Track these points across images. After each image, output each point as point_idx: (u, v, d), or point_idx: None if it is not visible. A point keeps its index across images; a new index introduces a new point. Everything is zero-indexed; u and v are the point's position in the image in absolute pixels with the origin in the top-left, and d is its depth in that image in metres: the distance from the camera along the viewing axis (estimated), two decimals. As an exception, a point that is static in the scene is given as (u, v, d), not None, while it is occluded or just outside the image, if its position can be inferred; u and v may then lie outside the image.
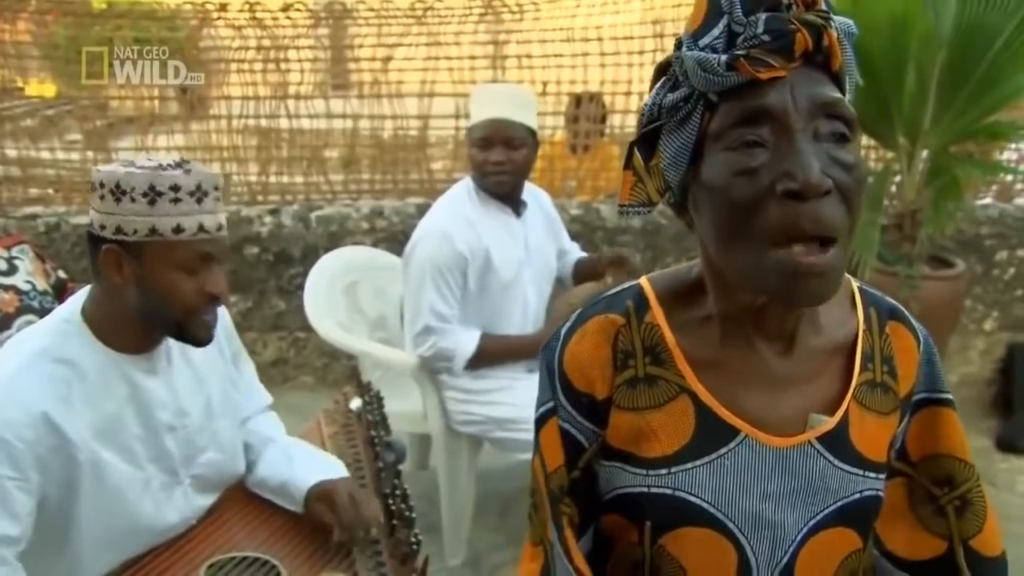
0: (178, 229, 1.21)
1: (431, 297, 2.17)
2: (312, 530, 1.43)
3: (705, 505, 0.76)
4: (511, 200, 2.28)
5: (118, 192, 1.19)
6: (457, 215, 2.22)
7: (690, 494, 0.76)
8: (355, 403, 1.82)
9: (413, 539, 1.41)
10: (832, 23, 0.67)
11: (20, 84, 4.01)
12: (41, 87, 4.07)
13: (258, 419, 1.57)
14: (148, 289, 1.23)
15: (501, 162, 2.17)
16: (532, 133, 2.23)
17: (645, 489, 0.78)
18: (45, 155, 3.79)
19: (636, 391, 0.78)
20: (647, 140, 0.75)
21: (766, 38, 0.66)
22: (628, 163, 0.77)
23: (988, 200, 3.71)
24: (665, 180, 0.74)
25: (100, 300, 1.27)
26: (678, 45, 0.71)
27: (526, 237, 2.31)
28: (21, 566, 1.16)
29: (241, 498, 1.47)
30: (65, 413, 1.18)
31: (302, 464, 1.47)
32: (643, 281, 0.83)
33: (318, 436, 1.74)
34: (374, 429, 1.71)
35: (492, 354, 2.22)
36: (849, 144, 0.68)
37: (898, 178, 3.11)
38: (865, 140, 3.57)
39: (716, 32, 0.68)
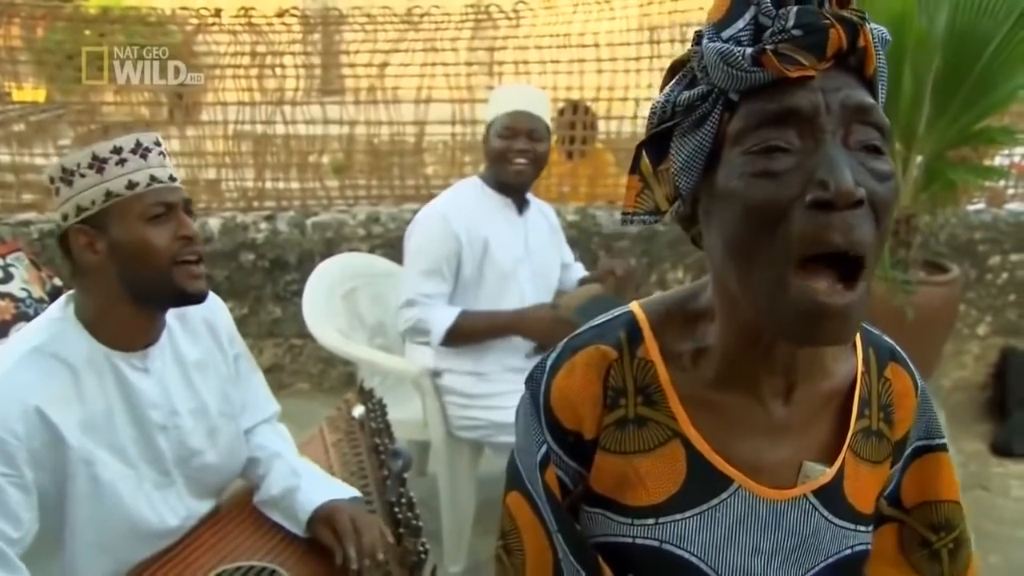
0: (131, 185, 1.23)
1: (419, 274, 2.20)
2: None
3: (694, 560, 0.71)
4: (517, 195, 2.30)
5: (67, 175, 1.23)
6: (459, 202, 2.26)
7: (678, 547, 0.71)
8: (358, 410, 1.82)
9: (420, 548, 1.40)
10: (868, 23, 0.62)
11: (7, 89, 3.99)
12: (34, 92, 4.04)
13: (265, 432, 1.54)
14: (123, 253, 1.23)
15: (525, 150, 2.21)
16: (548, 129, 2.28)
17: (630, 540, 0.72)
18: (39, 160, 3.76)
19: (624, 433, 0.73)
20: (657, 142, 0.68)
21: (797, 32, 0.59)
22: (635, 167, 0.70)
23: (981, 205, 3.74)
24: (676, 187, 0.67)
25: (85, 293, 1.27)
26: (697, 39, 0.65)
27: (526, 235, 2.33)
28: (24, 568, 1.15)
29: (247, 506, 1.46)
30: (59, 409, 1.18)
31: (309, 484, 1.43)
32: (636, 308, 0.76)
33: (321, 443, 1.73)
34: (378, 437, 1.71)
35: (471, 329, 2.20)
36: (882, 155, 0.62)
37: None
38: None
39: (742, 24, 0.62)
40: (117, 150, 1.22)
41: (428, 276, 2.20)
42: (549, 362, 0.76)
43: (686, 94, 0.65)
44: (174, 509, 1.33)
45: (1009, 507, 2.87)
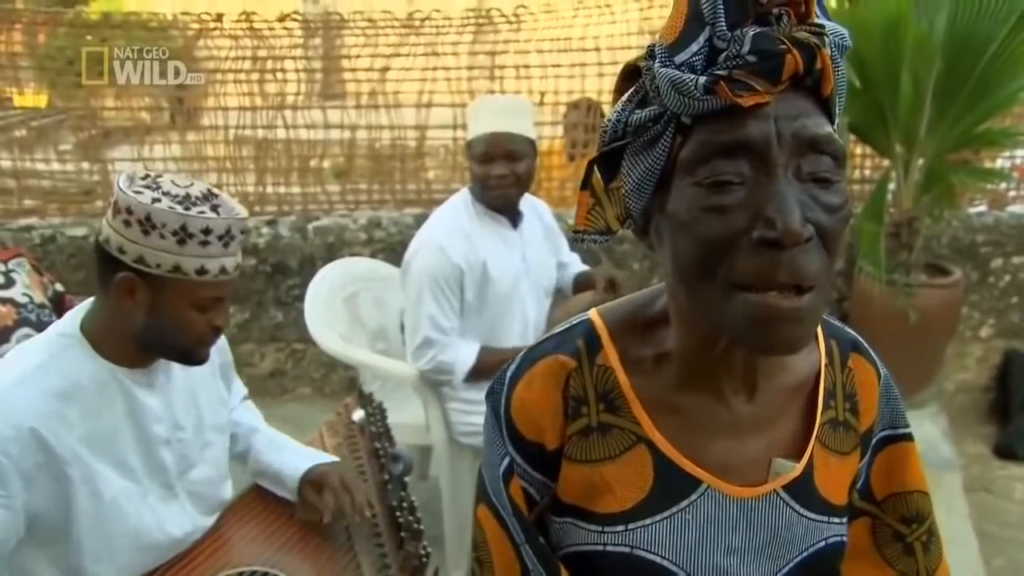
0: (202, 271, 1.21)
1: (429, 310, 2.17)
2: (319, 543, 1.42)
3: (666, 563, 0.70)
4: (508, 212, 2.27)
5: (147, 224, 1.17)
6: (453, 227, 2.22)
7: (649, 552, 0.70)
8: (358, 415, 1.81)
9: (422, 551, 1.40)
10: (826, 39, 0.59)
11: (9, 95, 4.00)
12: (35, 98, 4.06)
13: (238, 410, 1.61)
14: (159, 319, 1.23)
15: (504, 175, 2.16)
16: (532, 143, 2.23)
17: (600, 547, 0.71)
18: (40, 166, 3.77)
19: (589, 441, 0.72)
20: (609, 159, 0.66)
21: (752, 59, 0.57)
22: (586, 183, 0.68)
23: (982, 208, 3.74)
24: (626, 207, 0.67)
25: (102, 316, 1.26)
26: (650, 55, 0.62)
27: (523, 248, 2.31)
28: None
29: (246, 513, 1.46)
30: (57, 429, 1.16)
31: (291, 452, 1.54)
32: (594, 315, 0.75)
33: (321, 447, 1.72)
34: (378, 441, 1.70)
35: (491, 366, 2.20)
36: (835, 184, 0.60)
37: (893, 186, 3.13)
38: (860, 148, 3.60)
39: (695, 47, 0.59)
40: (206, 231, 1.19)
41: (439, 312, 2.16)
42: (508, 374, 0.75)
43: (638, 114, 0.64)
44: (179, 522, 1.33)
45: (1013, 510, 2.86)
